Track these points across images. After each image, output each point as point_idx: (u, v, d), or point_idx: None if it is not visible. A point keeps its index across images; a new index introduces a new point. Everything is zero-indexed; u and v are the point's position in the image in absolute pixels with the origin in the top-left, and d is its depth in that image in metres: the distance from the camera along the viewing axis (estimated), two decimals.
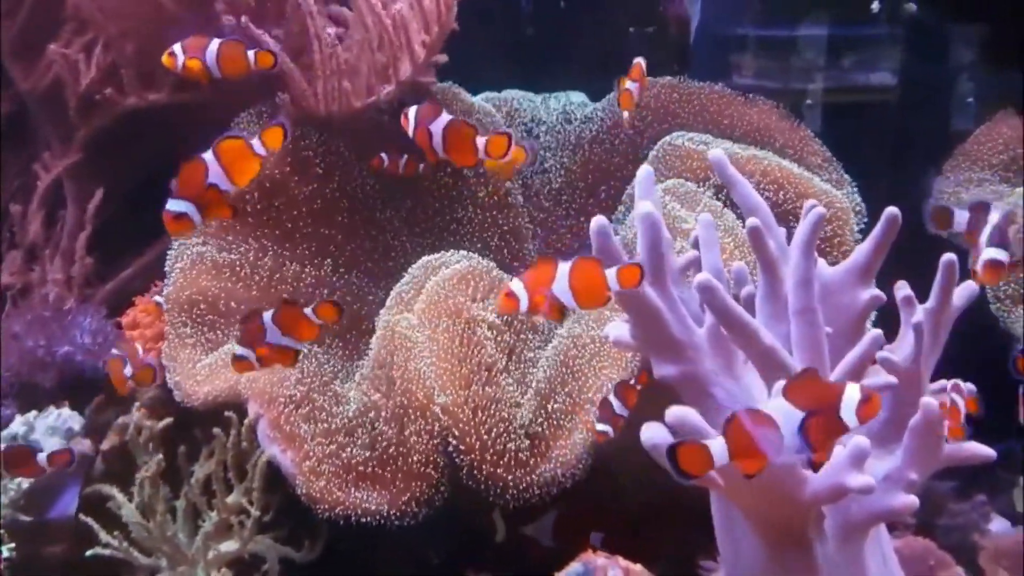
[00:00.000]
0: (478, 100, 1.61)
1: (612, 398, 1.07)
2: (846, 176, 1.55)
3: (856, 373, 0.91)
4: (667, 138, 1.48)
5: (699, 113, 1.57)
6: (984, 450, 0.98)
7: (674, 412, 0.87)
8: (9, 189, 1.44)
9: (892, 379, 0.96)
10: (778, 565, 0.95)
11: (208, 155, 0.94)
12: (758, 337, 0.92)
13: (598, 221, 0.91)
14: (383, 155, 1.44)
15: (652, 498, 1.21)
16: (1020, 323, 1.37)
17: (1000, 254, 0.95)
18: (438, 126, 1.15)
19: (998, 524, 1.46)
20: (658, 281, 0.96)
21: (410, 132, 1.16)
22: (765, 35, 1.86)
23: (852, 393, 0.73)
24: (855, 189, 1.52)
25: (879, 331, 0.90)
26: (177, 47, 1.13)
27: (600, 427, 1.07)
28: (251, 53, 1.15)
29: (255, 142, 0.95)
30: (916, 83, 1.78)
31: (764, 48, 1.86)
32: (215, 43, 1.14)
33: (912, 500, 0.96)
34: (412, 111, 1.16)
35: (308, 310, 1.04)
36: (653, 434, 0.90)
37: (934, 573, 1.31)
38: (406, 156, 1.44)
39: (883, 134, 1.82)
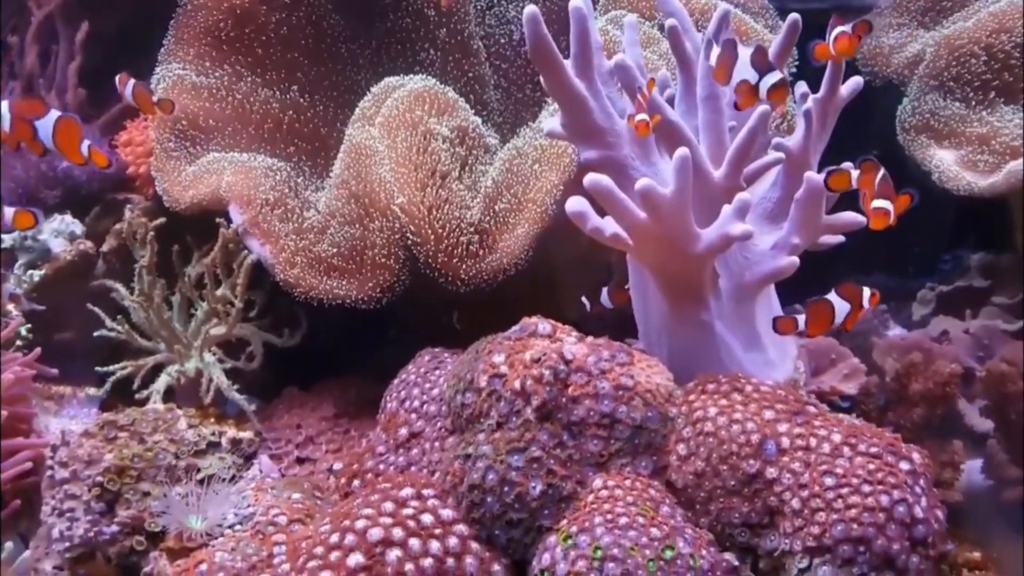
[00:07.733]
0: None
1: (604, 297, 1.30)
2: (780, 22, 1.68)
3: (747, 143, 1.06)
4: None
5: None
6: (857, 218, 1.15)
7: (590, 177, 1.03)
8: (8, 26, 1.54)
9: (780, 155, 1.12)
10: (678, 316, 1.13)
11: None
12: (664, 112, 1.07)
13: (530, 9, 1.04)
14: None
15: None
16: (921, 148, 1.53)
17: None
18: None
19: (897, 331, 1.65)
20: (584, 72, 1.10)
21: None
22: None
23: None
24: None
25: (766, 107, 1.05)
26: None
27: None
28: None
29: None
30: None
31: None
32: None
33: (793, 260, 1.13)
34: None
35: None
36: (575, 203, 1.06)
37: (834, 363, 1.51)
38: None
39: None
